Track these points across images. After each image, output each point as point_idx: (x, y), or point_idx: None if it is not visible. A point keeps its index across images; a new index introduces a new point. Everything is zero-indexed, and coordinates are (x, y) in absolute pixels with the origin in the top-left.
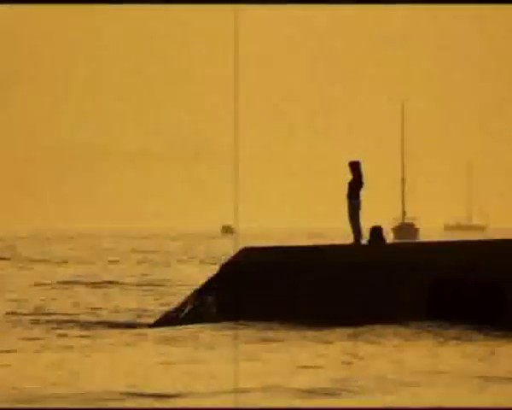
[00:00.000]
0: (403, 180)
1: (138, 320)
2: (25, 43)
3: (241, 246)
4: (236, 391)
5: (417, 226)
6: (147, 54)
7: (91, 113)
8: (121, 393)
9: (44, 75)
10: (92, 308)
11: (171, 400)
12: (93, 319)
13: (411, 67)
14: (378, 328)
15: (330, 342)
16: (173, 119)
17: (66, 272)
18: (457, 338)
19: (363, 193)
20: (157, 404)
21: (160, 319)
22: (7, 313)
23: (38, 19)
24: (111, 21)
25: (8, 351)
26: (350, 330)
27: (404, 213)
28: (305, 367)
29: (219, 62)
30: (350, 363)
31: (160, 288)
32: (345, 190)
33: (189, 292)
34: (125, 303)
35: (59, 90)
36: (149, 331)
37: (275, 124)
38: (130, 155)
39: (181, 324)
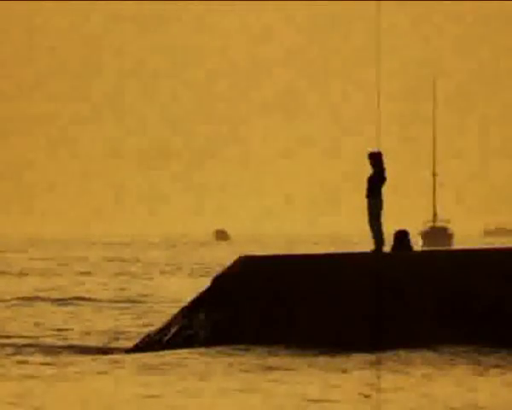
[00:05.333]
0: (434, 176)
1: (114, 344)
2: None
3: (237, 254)
4: None
5: (451, 231)
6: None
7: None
8: None
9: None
10: (58, 330)
11: None
12: (59, 342)
13: (442, 51)
14: (403, 353)
15: (346, 371)
16: (160, 119)
17: (26, 286)
18: (499, 365)
19: (385, 190)
20: None
21: (141, 342)
22: None
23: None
24: (110, 21)
25: None
26: (369, 357)
27: (435, 214)
28: (316, 401)
29: (213, 62)
30: (369, 396)
31: (141, 305)
32: (361, 188)
33: (175, 310)
34: (97, 324)
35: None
36: (127, 358)
37: (275, 122)
38: (109, 154)
39: (165, 348)
